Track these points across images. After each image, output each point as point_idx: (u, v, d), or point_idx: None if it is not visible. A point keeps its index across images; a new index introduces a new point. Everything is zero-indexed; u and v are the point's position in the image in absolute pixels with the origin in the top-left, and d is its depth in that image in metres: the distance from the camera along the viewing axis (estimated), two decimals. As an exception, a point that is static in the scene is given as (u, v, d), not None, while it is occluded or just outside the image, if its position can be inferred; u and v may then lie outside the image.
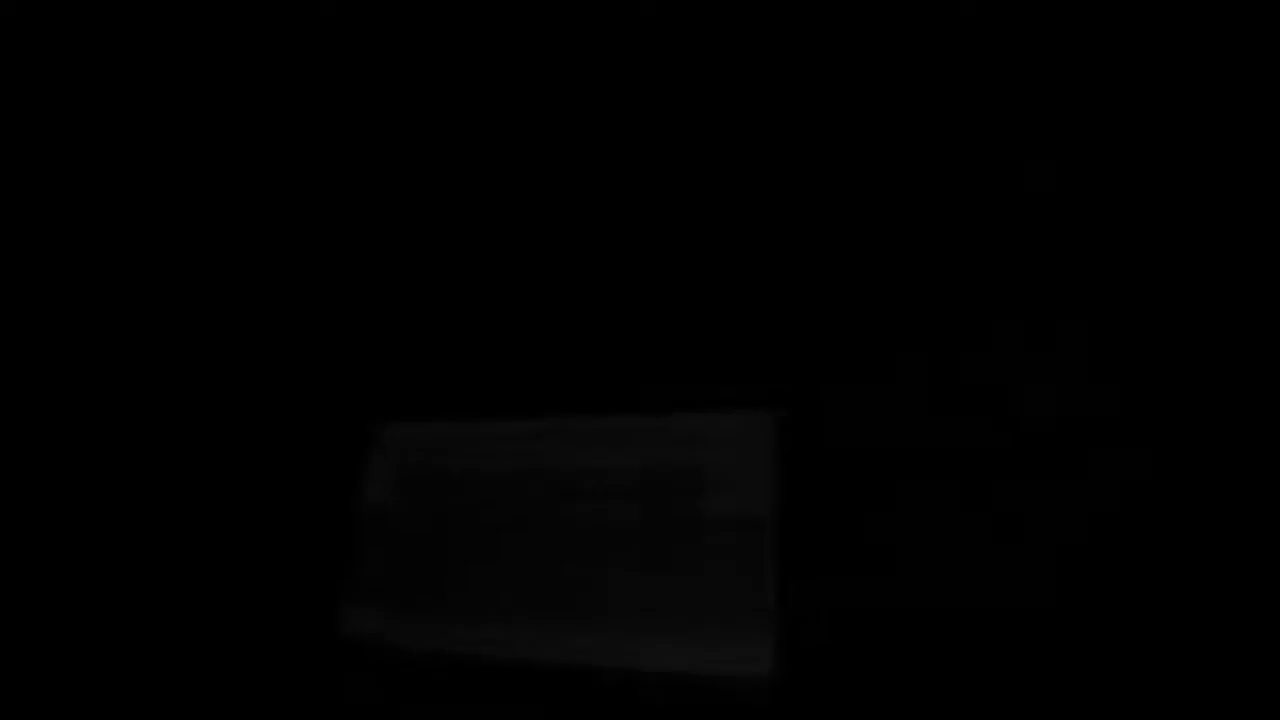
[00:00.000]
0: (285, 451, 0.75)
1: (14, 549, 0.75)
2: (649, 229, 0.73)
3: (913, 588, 0.58)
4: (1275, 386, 0.60)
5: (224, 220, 0.84)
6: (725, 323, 0.68)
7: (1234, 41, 0.68)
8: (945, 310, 0.68)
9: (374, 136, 0.83)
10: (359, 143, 0.83)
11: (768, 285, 0.68)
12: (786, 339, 0.65)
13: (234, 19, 0.87)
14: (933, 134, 0.72)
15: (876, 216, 0.70)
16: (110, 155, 0.89)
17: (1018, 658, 0.56)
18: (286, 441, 0.76)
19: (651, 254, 0.72)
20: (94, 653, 0.70)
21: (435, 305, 0.77)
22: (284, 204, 0.84)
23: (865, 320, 0.66)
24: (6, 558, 0.75)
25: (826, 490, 0.61)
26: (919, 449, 0.62)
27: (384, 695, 0.63)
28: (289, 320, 0.80)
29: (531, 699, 0.60)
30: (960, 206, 0.70)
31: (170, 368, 0.80)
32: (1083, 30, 0.72)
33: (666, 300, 0.70)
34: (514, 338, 0.73)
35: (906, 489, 0.60)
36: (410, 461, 0.70)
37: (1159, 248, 0.66)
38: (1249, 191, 0.65)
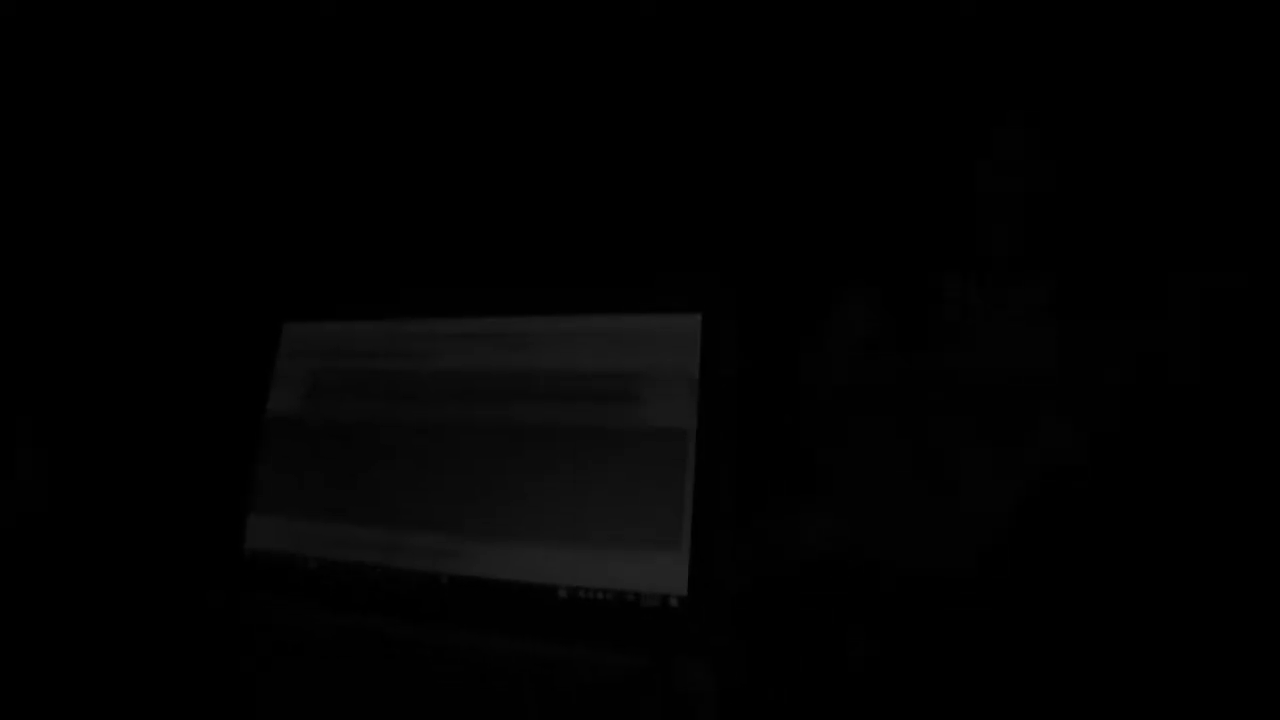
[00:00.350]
0: (193, 351, 0.71)
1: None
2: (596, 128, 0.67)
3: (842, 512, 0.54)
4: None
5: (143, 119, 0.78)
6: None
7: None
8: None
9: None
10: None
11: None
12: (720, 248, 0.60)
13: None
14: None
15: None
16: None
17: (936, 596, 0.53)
18: (195, 340, 0.71)
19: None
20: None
21: (361, 194, 0.71)
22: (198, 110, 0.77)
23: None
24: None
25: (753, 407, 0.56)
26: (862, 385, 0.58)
27: (287, 607, 0.60)
28: (198, 216, 0.74)
29: (440, 612, 0.56)
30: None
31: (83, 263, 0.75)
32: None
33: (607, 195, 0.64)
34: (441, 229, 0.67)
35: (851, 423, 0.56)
36: (320, 365, 0.65)
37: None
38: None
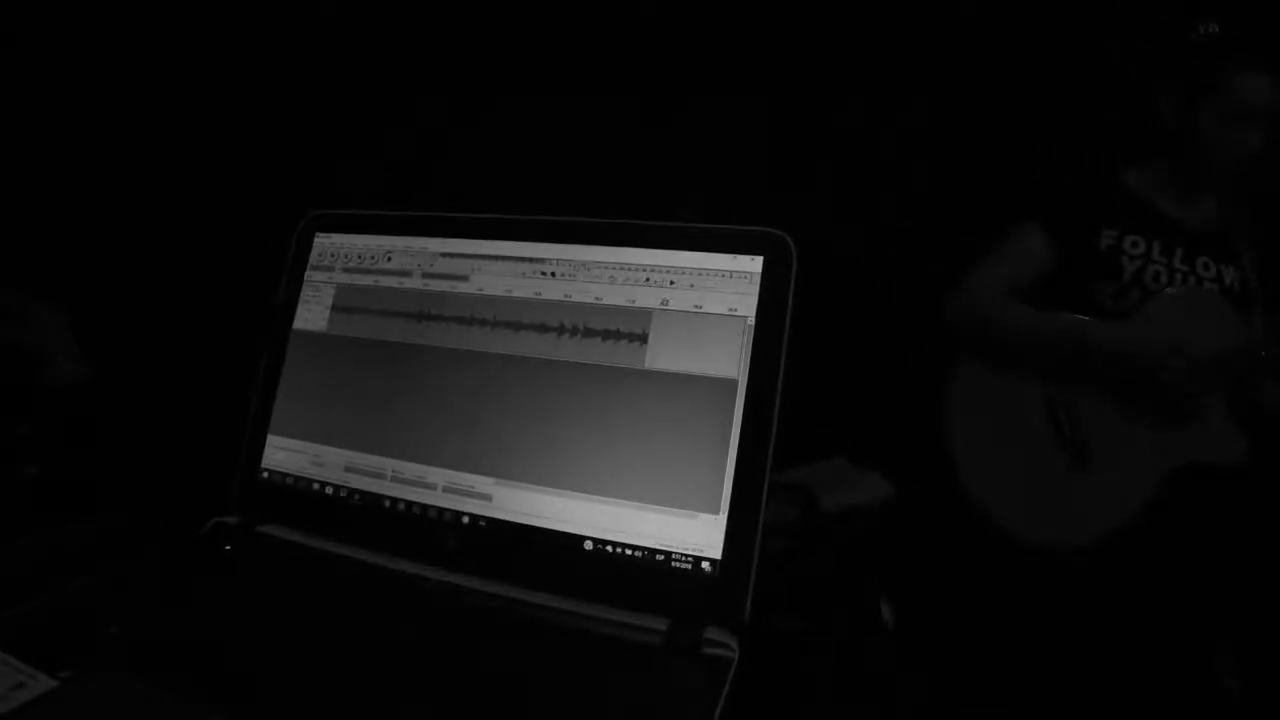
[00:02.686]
0: (226, 260, 0.70)
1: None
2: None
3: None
4: None
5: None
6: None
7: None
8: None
9: None
10: None
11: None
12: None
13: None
14: None
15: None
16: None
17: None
18: (228, 249, 0.70)
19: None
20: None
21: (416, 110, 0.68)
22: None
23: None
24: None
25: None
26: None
27: (300, 534, 0.59)
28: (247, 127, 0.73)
29: (455, 553, 0.55)
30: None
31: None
32: None
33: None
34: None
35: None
36: (348, 281, 0.63)
37: None
38: None
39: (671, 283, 0.54)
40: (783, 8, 1.17)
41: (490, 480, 0.55)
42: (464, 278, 0.59)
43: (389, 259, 0.62)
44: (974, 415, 1.10)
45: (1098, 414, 1.05)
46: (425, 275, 0.60)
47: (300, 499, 0.60)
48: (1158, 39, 1.18)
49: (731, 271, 0.53)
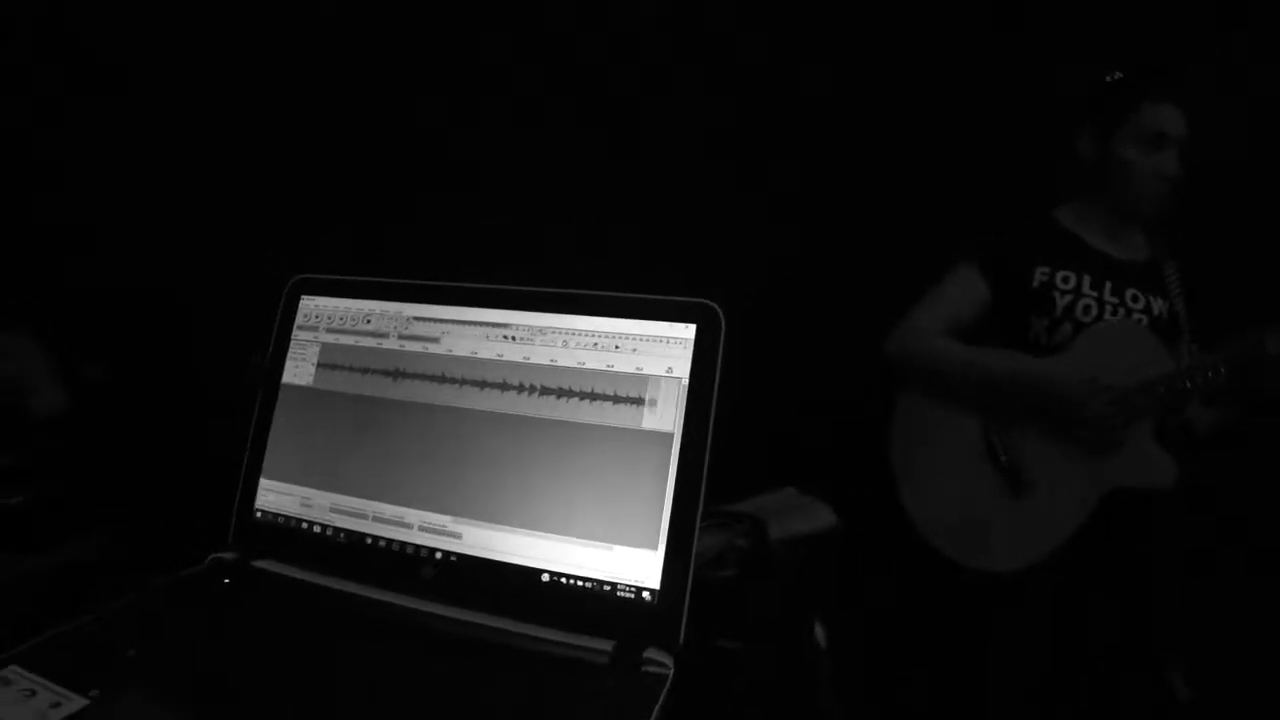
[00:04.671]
0: (219, 321, 0.79)
1: None
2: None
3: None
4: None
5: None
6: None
7: None
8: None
9: None
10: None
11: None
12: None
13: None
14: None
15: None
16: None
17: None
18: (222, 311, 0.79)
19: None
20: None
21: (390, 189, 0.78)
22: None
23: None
24: None
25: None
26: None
27: (291, 568, 0.68)
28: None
29: (431, 585, 0.64)
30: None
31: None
32: None
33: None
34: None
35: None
36: (332, 340, 0.72)
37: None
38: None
39: (616, 347, 0.64)
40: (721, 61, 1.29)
41: (460, 520, 0.65)
42: (435, 339, 0.69)
43: (368, 321, 0.72)
44: (914, 445, 1.21)
45: (1032, 444, 1.16)
46: (400, 337, 0.70)
47: (291, 537, 0.69)
48: (1073, 84, 1.30)
49: (668, 338, 0.63)
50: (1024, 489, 1.15)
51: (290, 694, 0.55)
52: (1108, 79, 1.24)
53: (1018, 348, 1.19)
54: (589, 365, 0.64)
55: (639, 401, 0.62)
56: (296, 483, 0.70)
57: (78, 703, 0.52)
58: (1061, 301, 1.19)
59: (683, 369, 0.62)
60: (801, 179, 1.40)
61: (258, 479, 0.72)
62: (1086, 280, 1.20)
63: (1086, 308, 1.19)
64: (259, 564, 0.69)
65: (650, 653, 0.57)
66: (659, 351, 0.63)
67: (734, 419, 0.64)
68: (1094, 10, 1.37)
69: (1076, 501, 1.13)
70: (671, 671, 0.57)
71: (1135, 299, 1.21)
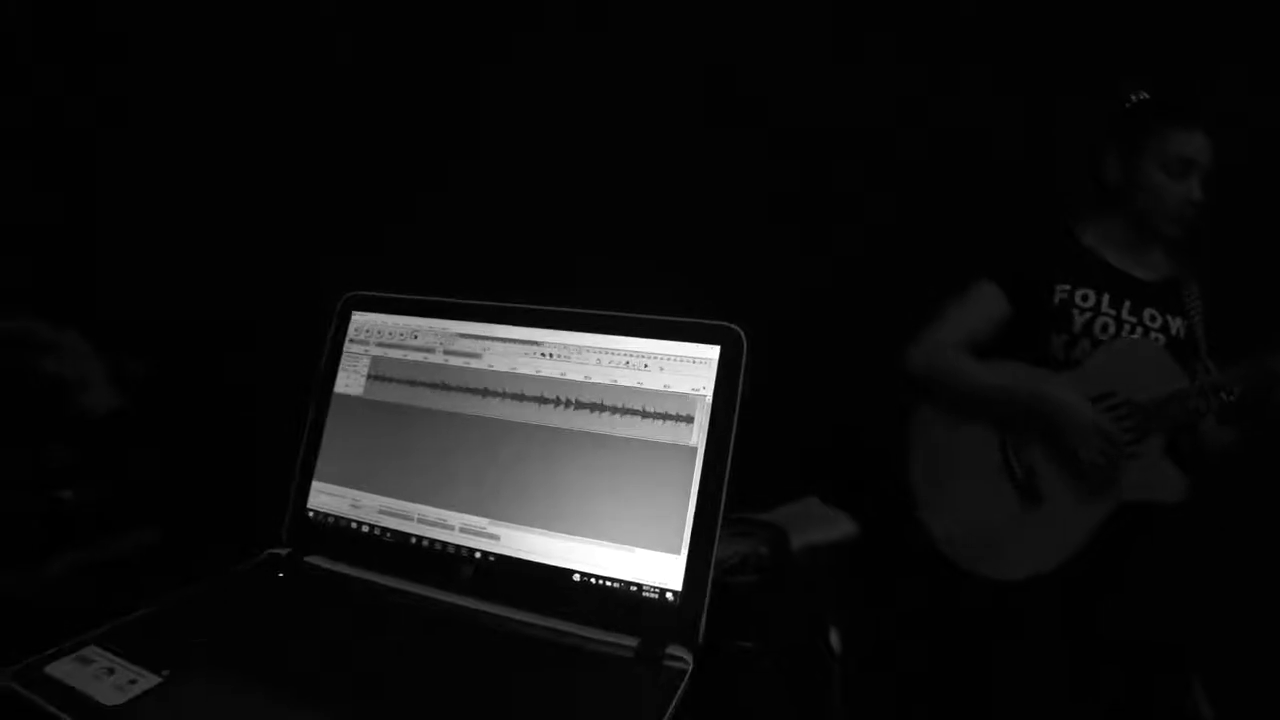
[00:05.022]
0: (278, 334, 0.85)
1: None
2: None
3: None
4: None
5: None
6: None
7: None
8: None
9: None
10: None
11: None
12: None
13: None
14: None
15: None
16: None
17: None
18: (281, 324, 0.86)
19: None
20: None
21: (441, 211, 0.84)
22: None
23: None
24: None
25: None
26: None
27: (339, 565, 0.74)
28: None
29: (471, 583, 0.70)
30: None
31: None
32: None
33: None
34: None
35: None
36: (381, 354, 0.78)
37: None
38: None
39: (645, 366, 0.69)
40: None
41: (497, 523, 0.70)
42: (477, 355, 0.74)
43: (415, 337, 0.77)
44: (932, 457, 1.25)
45: (1047, 458, 1.20)
46: (445, 352, 0.76)
47: (341, 535, 0.75)
48: (1098, 104, 1.33)
49: (695, 358, 0.68)
50: (1039, 503, 1.19)
51: (340, 678, 0.60)
52: (1132, 99, 1.27)
53: (1036, 363, 1.22)
54: (620, 382, 0.69)
55: (666, 417, 0.68)
56: (347, 485, 0.76)
57: (152, 680, 0.58)
58: (1080, 319, 1.22)
59: (707, 387, 0.67)
60: (826, 201, 1.45)
61: (310, 481, 0.78)
62: (1105, 298, 1.23)
63: (1104, 326, 1.22)
64: (311, 560, 0.75)
65: (672, 649, 0.63)
66: (686, 370, 0.68)
67: (762, 432, 0.69)
68: (1107, 35, 1.40)
69: (1086, 514, 1.17)
70: (690, 666, 0.62)
71: (1153, 318, 1.24)
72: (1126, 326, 1.23)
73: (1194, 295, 1.29)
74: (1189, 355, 1.24)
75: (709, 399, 0.67)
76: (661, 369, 0.69)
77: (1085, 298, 1.24)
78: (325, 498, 0.77)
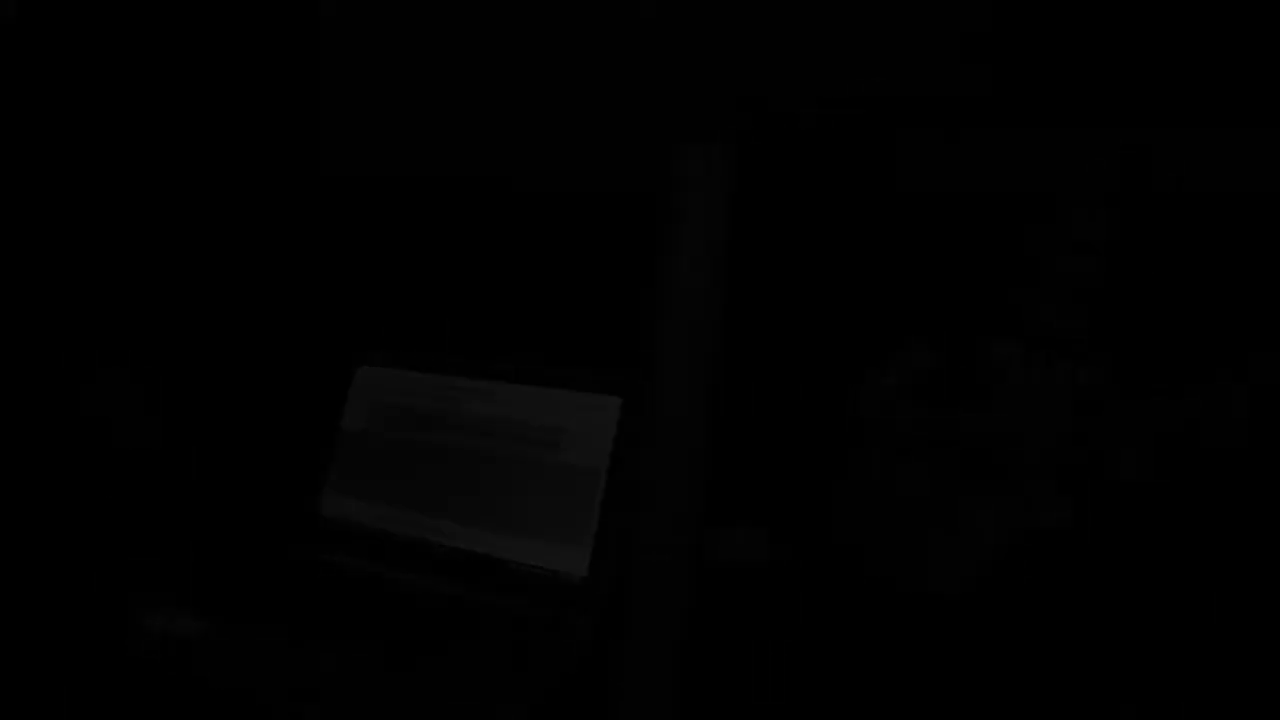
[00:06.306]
0: (295, 382, 1.12)
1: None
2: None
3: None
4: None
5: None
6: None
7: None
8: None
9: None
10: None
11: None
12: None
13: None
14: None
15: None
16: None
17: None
18: (297, 375, 1.12)
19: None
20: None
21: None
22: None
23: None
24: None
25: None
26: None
27: (357, 560, 1.00)
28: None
29: (436, 568, 0.95)
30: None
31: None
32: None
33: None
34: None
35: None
36: (377, 400, 1.05)
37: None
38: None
39: (561, 409, 0.95)
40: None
41: (456, 523, 0.96)
42: (453, 401, 1.01)
43: (409, 385, 1.04)
44: (862, 479, 1.45)
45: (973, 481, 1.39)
46: (428, 397, 1.02)
47: (355, 536, 1.01)
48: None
49: (595, 405, 0.93)
50: (966, 518, 1.39)
51: (354, 645, 0.85)
52: None
53: (954, 407, 1.43)
54: (540, 421, 0.95)
55: (571, 447, 0.93)
56: (360, 496, 1.03)
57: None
58: (998, 368, 1.42)
59: (611, 425, 0.92)
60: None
61: (329, 491, 1.04)
62: (1021, 349, 1.43)
63: (1018, 373, 1.42)
64: (330, 557, 1.01)
65: (582, 618, 0.87)
66: (589, 411, 0.93)
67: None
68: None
69: (985, 542, 1.37)
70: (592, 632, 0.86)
71: (1065, 369, 1.44)
72: (1036, 372, 1.42)
73: (1108, 345, 1.47)
74: (1094, 403, 1.43)
75: (612, 433, 0.92)
76: (572, 414, 0.94)
77: (1003, 348, 1.44)
78: (336, 504, 1.03)
